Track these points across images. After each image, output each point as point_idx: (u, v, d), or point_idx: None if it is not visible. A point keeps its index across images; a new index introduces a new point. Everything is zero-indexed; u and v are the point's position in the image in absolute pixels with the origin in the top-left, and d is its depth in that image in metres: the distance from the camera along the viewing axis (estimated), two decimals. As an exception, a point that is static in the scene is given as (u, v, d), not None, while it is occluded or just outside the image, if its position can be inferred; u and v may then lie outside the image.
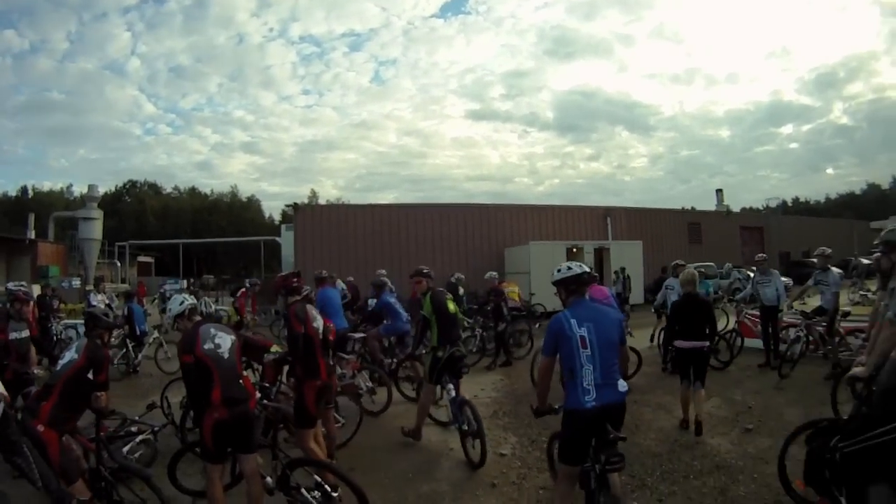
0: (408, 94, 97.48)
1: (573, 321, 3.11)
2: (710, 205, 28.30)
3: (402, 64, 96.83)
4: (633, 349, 7.03)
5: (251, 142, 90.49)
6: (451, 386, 5.21)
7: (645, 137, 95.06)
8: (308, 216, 19.16)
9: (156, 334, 10.67)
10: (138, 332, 9.80)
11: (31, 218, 33.47)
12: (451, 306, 5.46)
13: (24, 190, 58.64)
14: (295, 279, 4.75)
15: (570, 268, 3.33)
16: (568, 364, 3.09)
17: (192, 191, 62.46)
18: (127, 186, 61.07)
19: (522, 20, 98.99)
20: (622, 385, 3.11)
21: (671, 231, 23.81)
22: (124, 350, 9.62)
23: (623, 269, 15.83)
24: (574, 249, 18.13)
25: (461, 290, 12.04)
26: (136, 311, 9.98)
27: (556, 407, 3.24)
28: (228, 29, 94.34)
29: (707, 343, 5.53)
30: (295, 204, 19.55)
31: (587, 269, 3.37)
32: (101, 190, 47.09)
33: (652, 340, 9.93)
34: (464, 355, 5.56)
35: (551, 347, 3.19)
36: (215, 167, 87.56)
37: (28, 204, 48.60)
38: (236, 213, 57.40)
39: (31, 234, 31.60)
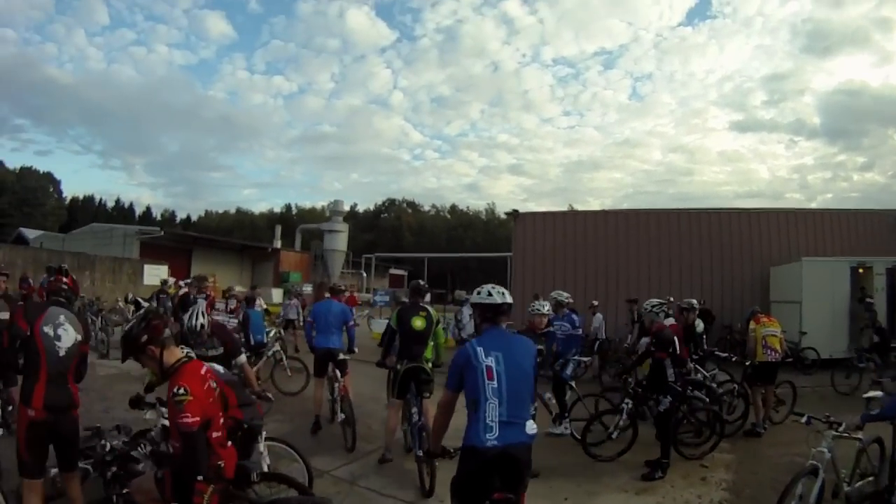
0: (668, 109, 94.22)
1: (479, 349, 2.84)
2: None
3: (658, 78, 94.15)
4: None
5: (517, 164, 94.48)
6: (415, 410, 5.19)
7: (924, 139, 74.38)
8: (529, 225, 17.39)
9: (276, 347, 9.30)
10: (253, 343, 8.23)
11: (278, 229, 38.94)
12: (418, 323, 5.55)
13: (288, 207, 71.11)
14: (56, 279, 3.93)
15: (490, 294, 3.06)
16: (472, 396, 2.79)
17: (453, 208, 67.12)
18: (385, 204, 68.52)
19: (772, 17, 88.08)
20: (531, 426, 2.79)
21: None
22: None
23: (869, 296, 11.37)
24: (861, 269, 13.39)
25: (699, 325, 7.79)
26: (252, 318, 8.52)
27: (452, 451, 2.94)
28: (482, 58, 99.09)
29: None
30: (515, 211, 17.80)
31: (508, 301, 3.04)
32: (362, 208, 53.44)
33: None
34: (430, 379, 5.49)
35: (456, 381, 2.90)
36: (483, 188, 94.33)
37: (290, 219, 58.22)
38: (492, 230, 59.38)
39: (278, 244, 36.99)
